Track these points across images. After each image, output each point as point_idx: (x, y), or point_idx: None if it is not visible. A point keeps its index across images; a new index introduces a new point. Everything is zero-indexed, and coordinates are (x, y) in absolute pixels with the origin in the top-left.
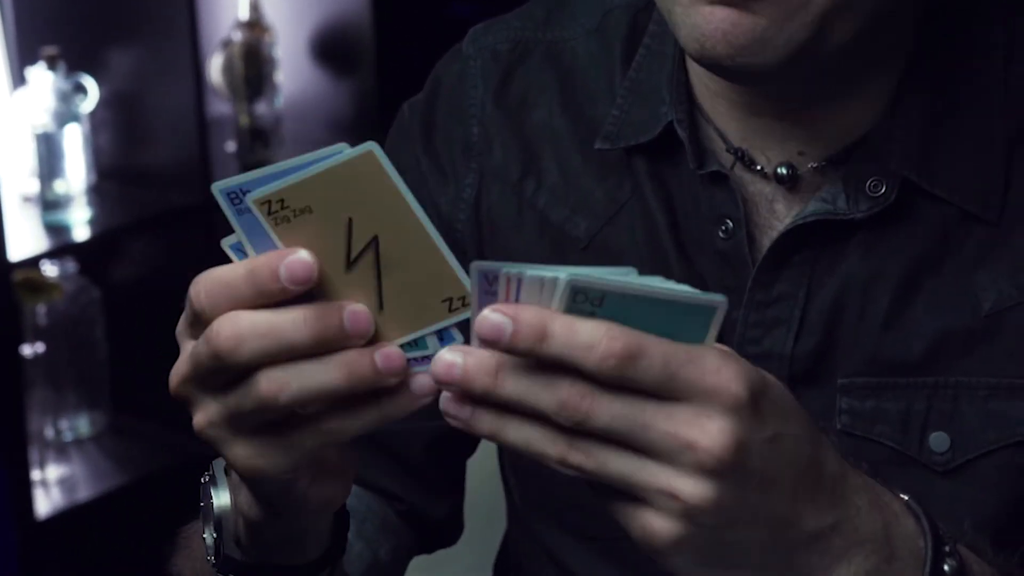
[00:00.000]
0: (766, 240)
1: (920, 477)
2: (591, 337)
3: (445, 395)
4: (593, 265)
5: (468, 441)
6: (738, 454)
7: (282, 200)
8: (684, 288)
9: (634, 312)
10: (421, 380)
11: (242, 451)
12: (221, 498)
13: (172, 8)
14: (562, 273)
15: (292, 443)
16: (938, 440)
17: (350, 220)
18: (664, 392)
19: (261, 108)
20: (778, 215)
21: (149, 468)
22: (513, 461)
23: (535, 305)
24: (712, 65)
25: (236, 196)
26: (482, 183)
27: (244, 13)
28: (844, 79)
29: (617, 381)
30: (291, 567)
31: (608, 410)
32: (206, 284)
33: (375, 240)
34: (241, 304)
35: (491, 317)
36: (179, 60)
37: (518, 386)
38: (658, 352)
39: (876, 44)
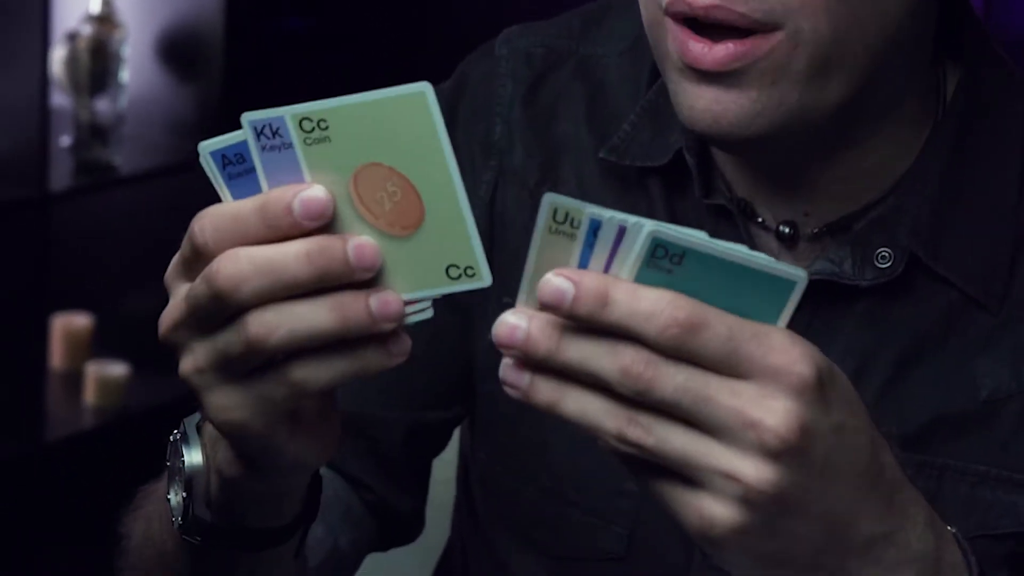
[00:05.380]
0: None
1: None
2: (654, 305)
3: (505, 362)
4: None
5: (443, 436)
6: (803, 438)
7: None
8: (766, 257)
9: (712, 277)
10: (401, 340)
11: (223, 401)
12: (193, 456)
13: None
14: (647, 224)
15: (263, 393)
16: None
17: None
18: (728, 367)
19: (103, 105)
20: None
21: None
22: (487, 472)
23: (609, 257)
24: (704, 139)
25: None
26: (499, 182)
27: (95, 7)
28: (848, 142)
29: (678, 352)
30: (263, 530)
31: (672, 380)
32: (211, 219)
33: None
34: (248, 240)
35: (553, 281)
36: (25, 49)
37: (580, 351)
38: (722, 325)
39: (878, 110)
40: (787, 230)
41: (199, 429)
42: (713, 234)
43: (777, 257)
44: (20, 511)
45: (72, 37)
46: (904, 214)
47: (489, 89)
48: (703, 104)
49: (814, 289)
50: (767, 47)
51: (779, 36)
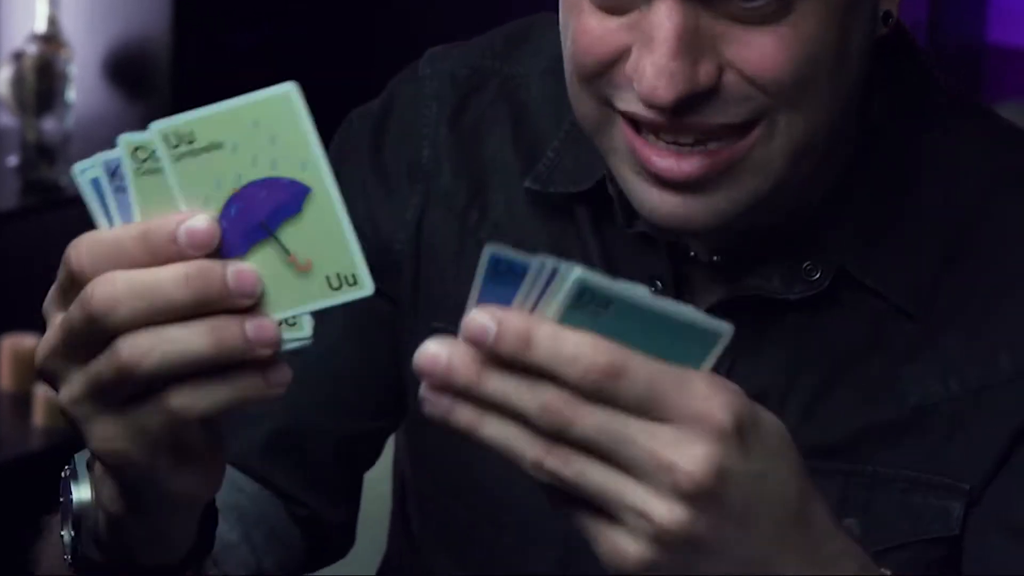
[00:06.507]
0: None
1: None
2: (576, 349)
3: (425, 383)
4: None
5: (374, 448)
6: (718, 482)
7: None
8: (692, 310)
9: (637, 326)
10: (280, 370)
11: (102, 431)
12: (81, 493)
13: None
14: (576, 269)
15: (141, 422)
16: (849, 526)
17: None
18: (648, 412)
19: (49, 124)
20: (714, 289)
21: None
22: (421, 492)
23: (535, 298)
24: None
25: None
26: (427, 206)
27: (41, 26)
28: (791, 181)
29: (599, 396)
30: (154, 567)
31: (591, 420)
32: (88, 245)
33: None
34: (127, 265)
35: (477, 318)
36: None
37: (501, 385)
38: (644, 371)
39: (823, 150)
40: (716, 258)
41: (89, 465)
42: (641, 258)
43: (707, 274)
44: None
45: (18, 56)
46: (832, 229)
47: (415, 111)
48: (668, 209)
49: (744, 304)
50: (742, 151)
51: (755, 134)
